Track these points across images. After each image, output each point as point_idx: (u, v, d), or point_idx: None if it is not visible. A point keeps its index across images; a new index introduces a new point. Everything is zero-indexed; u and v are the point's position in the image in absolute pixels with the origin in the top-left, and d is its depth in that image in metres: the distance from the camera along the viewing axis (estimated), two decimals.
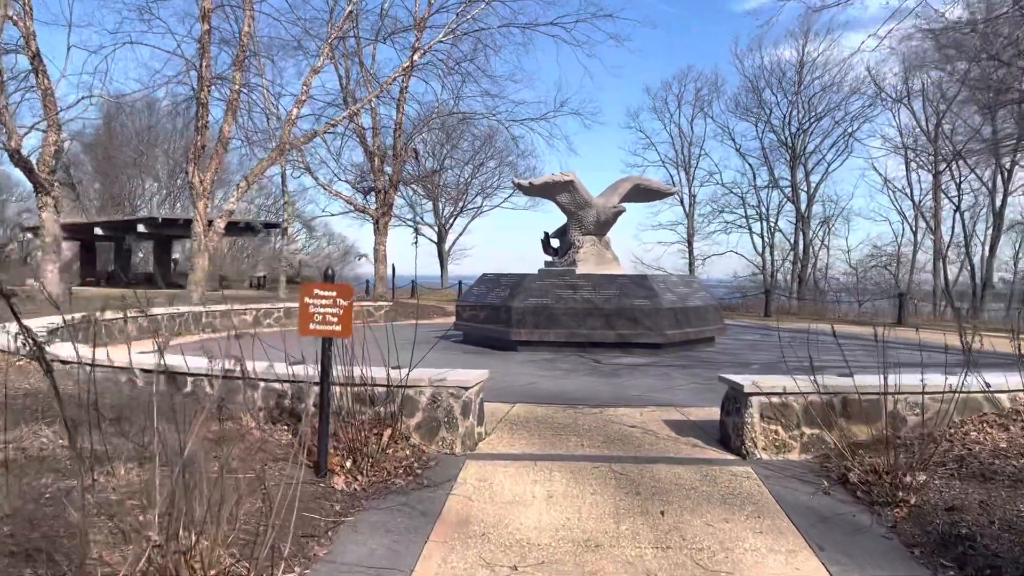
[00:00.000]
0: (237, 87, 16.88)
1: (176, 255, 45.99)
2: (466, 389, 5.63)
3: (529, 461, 5.29)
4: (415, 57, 18.27)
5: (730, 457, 5.46)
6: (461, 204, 47.65)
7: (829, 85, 35.11)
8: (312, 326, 4.86)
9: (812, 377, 5.60)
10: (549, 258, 13.62)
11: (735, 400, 5.63)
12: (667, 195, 14.17)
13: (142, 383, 6.16)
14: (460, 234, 50.10)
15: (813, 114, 35.18)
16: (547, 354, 11.25)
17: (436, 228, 48.42)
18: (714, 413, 6.79)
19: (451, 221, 48.68)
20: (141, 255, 52.05)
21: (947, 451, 5.24)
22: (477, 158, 43.51)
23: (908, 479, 4.52)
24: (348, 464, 4.92)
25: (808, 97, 35.22)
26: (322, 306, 4.88)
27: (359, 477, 4.82)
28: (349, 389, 5.75)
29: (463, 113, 22.78)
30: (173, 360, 6.24)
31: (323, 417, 4.88)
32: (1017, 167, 31.55)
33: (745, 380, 5.56)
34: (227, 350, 5.18)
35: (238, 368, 5.36)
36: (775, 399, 5.49)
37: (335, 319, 4.90)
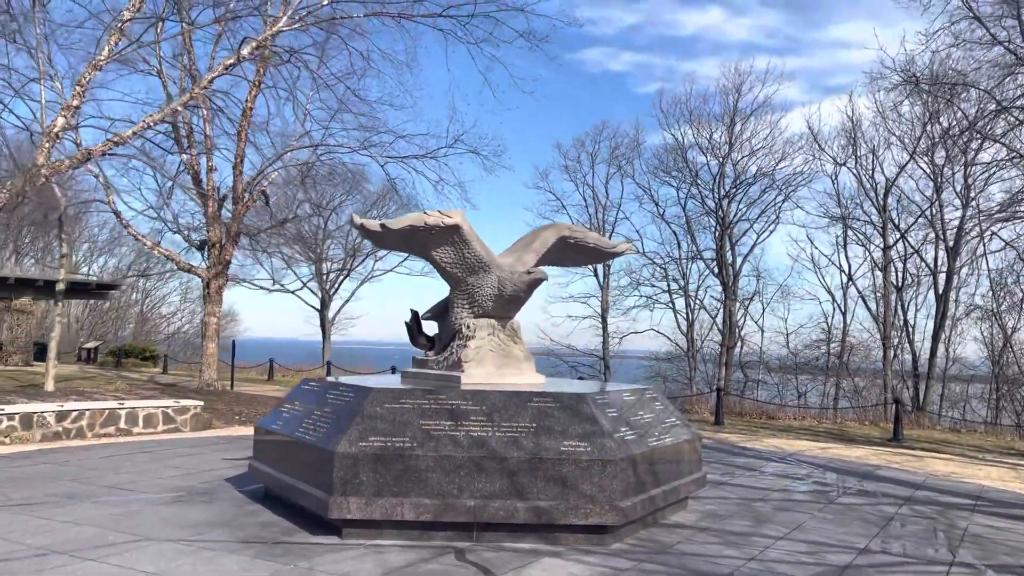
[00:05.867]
0: None
1: None
2: None
3: None
4: (244, 52, 12.93)
5: None
6: (348, 267, 41.91)
7: (759, 148, 31.72)
8: None
9: None
10: (421, 354, 8.33)
11: None
12: (613, 255, 9.17)
13: None
14: (347, 300, 44.17)
15: (743, 178, 31.60)
16: (398, 552, 5.83)
17: (319, 293, 42.39)
18: None
19: (337, 285, 42.79)
20: None
21: None
22: (372, 212, 37.93)
23: None
24: None
25: (738, 159, 31.70)
26: None
27: None
28: None
29: (325, 145, 17.54)
30: None
31: None
32: (963, 244, 28.54)
33: None
34: None
35: None
36: None
37: None
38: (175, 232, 17.60)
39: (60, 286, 15.82)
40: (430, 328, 8.42)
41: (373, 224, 7.03)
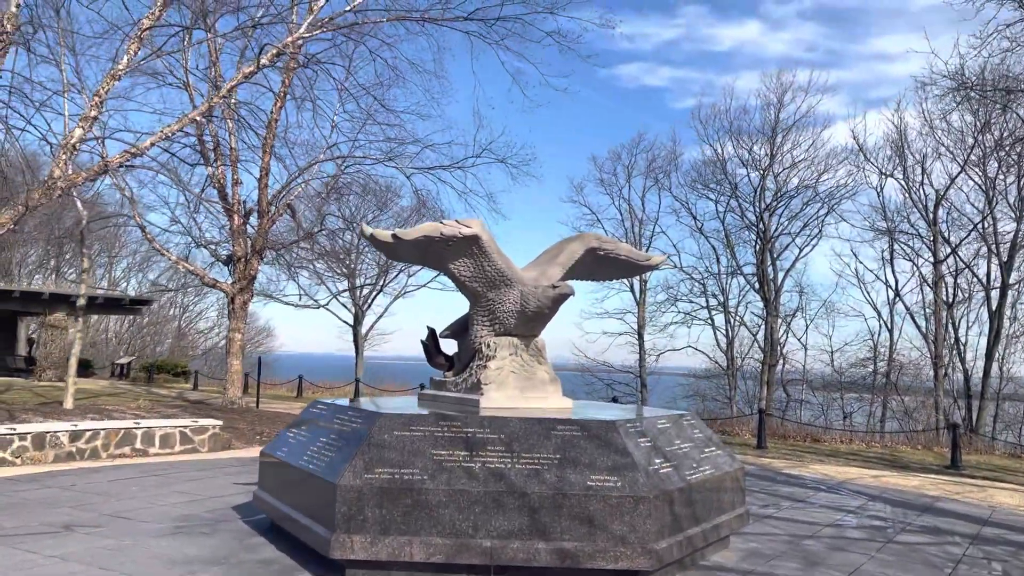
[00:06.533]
0: None
1: (34, 335, 38.51)
2: None
3: None
4: (264, 59, 12.57)
5: None
6: (381, 283, 41.61)
7: (800, 160, 30.79)
8: None
9: None
10: (440, 375, 7.76)
11: None
12: (647, 268, 8.52)
13: None
14: (380, 316, 43.84)
15: (785, 191, 30.65)
16: None
17: (352, 309, 42.12)
18: None
19: (370, 300, 42.46)
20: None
21: None
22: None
23: None
24: None
25: (779, 171, 30.76)
26: None
27: None
28: None
29: (353, 157, 17.15)
30: None
31: None
32: (1018, 258, 27.25)
33: None
34: None
35: None
36: None
37: None
38: (198, 246, 17.33)
39: (81, 301, 15.56)
40: (450, 347, 7.87)
41: (384, 234, 6.49)
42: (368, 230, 6.51)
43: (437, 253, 6.78)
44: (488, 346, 7.05)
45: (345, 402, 7.20)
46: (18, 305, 28.37)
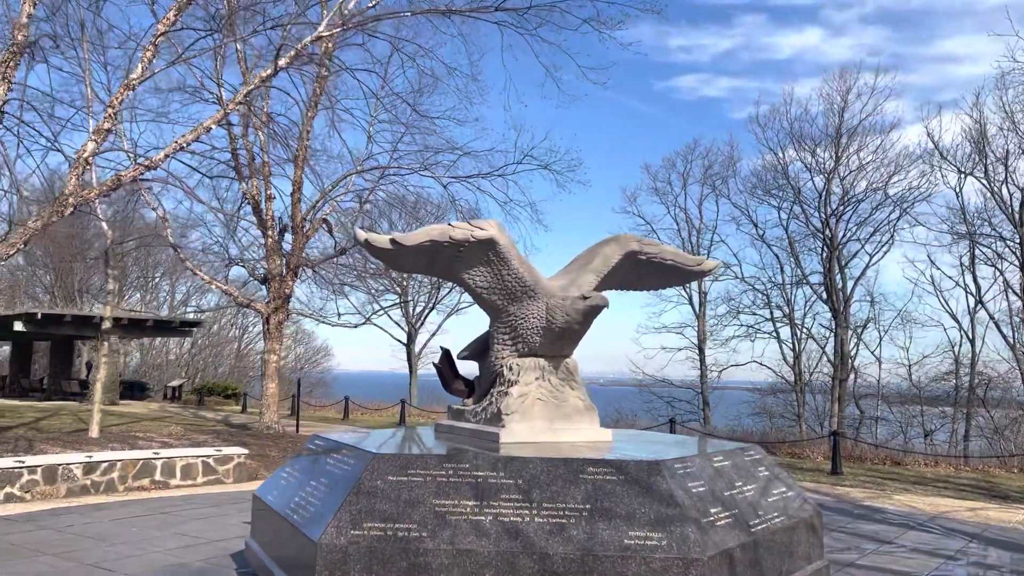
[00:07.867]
0: None
1: (89, 358, 38.90)
2: None
3: None
4: (280, 62, 11.86)
5: None
6: (434, 300, 40.95)
7: (868, 162, 28.98)
8: None
9: None
10: (458, 403, 6.75)
11: None
12: (698, 275, 7.34)
13: None
14: (433, 334, 43.15)
15: (852, 195, 28.85)
16: None
17: (405, 327, 41.55)
18: None
19: (423, 318, 41.80)
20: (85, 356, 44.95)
21: None
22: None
23: None
24: None
25: (845, 174, 28.99)
26: None
27: None
28: None
29: (391, 167, 16.37)
30: None
31: None
32: None
33: None
34: None
35: None
36: None
37: None
38: (228, 264, 16.77)
39: (106, 324, 15.05)
40: (466, 370, 6.85)
41: (381, 239, 5.52)
42: (363, 235, 5.55)
43: (447, 261, 5.78)
44: (510, 369, 6.01)
45: (337, 436, 6.26)
46: (72, 329, 28.51)
